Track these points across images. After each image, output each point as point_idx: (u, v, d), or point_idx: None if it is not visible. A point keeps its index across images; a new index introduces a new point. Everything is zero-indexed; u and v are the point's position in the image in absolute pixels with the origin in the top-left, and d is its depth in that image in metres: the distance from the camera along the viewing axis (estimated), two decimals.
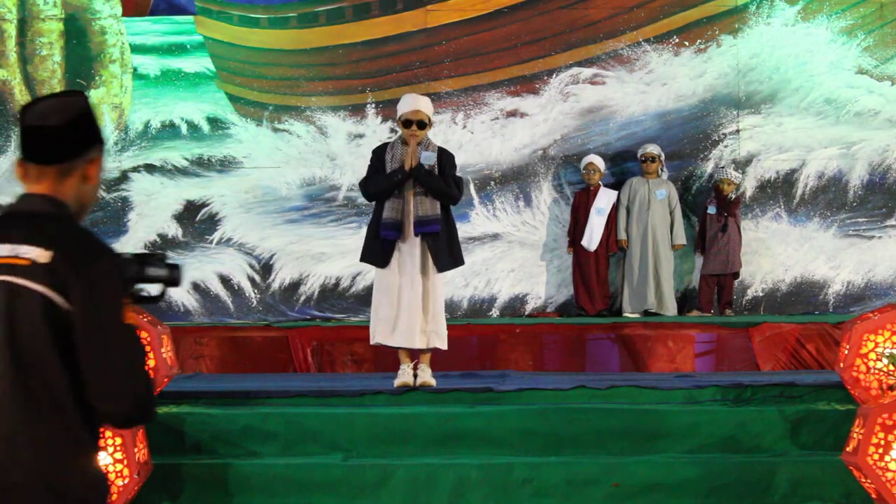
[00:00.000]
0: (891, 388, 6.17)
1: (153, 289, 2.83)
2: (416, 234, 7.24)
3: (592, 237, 10.81)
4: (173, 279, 2.80)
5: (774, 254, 11.06)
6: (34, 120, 2.74)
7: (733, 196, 10.84)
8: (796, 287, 11.05)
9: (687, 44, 11.15)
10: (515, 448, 6.51)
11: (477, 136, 11.15)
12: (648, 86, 11.15)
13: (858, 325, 6.33)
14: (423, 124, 7.26)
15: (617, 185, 11.01)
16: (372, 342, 7.45)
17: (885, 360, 6.24)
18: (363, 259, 7.47)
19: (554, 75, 11.18)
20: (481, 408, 6.79)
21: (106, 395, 2.62)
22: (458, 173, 7.55)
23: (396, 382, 7.34)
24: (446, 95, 11.15)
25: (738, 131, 11.09)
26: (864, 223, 11.04)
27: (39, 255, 2.62)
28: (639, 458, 6.40)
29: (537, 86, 11.19)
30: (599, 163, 10.89)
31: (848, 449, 6.01)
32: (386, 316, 7.29)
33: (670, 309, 10.75)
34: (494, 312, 11.09)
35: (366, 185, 7.42)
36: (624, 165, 11.15)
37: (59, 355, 2.62)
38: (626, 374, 9.06)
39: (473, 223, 11.08)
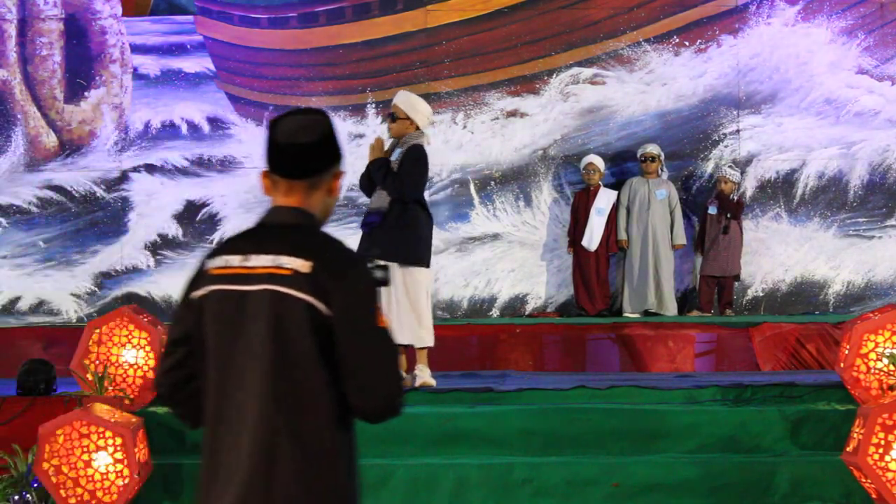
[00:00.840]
0: (891, 388, 6.17)
1: None
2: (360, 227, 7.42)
3: (592, 237, 10.80)
4: (385, 280, 2.94)
5: (774, 254, 11.06)
6: (286, 137, 2.89)
7: (735, 197, 10.82)
8: (796, 287, 11.05)
9: (687, 44, 11.14)
10: (515, 448, 6.51)
11: (477, 136, 11.14)
12: (648, 86, 11.15)
13: (859, 325, 6.34)
14: (393, 117, 7.46)
15: (617, 185, 11.00)
16: None
17: (886, 360, 6.24)
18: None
19: (554, 75, 11.18)
20: (481, 408, 6.79)
21: (365, 393, 2.78)
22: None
23: None
24: (446, 95, 11.14)
25: (738, 131, 11.09)
26: (864, 223, 11.04)
27: (301, 265, 2.79)
28: (639, 458, 6.40)
29: (537, 86, 11.18)
30: (599, 163, 10.88)
31: (848, 449, 6.01)
32: None
33: (670, 309, 10.74)
34: (494, 312, 11.08)
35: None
36: (624, 165, 11.14)
37: (319, 358, 2.76)
38: (626, 374, 9.07)
39: (473, 223, 11.07)
